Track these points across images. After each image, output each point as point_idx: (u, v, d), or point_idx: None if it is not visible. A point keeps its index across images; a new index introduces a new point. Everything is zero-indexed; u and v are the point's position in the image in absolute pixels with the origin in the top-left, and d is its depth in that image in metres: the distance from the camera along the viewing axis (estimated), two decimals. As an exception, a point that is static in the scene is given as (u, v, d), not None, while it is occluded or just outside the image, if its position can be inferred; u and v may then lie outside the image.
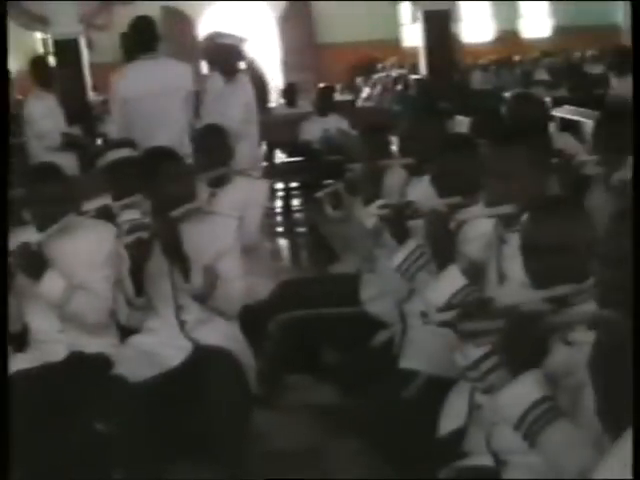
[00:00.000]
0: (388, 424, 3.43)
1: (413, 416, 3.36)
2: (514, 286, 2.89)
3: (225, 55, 6.74)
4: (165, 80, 6.37)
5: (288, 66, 20.18)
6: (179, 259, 3.76)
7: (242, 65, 7.34)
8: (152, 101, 6.22)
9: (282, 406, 4.66)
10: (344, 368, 4.19)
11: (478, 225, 3.39)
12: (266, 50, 19.99)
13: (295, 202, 9.97)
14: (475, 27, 22.10)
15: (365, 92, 16.94)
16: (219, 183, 4.96)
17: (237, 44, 6.89)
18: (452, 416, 3.18)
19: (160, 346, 3.86)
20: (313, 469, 4.15)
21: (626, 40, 10.79)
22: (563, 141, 5.49)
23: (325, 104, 9.68)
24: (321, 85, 10.83)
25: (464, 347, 2.65)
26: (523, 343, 2.34)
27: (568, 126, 7.98)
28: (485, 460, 2.79)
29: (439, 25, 13.45)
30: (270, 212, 9.24)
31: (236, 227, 4.05)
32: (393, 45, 20.14)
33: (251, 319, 4.25)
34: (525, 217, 2.78)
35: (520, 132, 3.31)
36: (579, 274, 2.50)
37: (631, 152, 4.57)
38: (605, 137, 4.65)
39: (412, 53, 16.05)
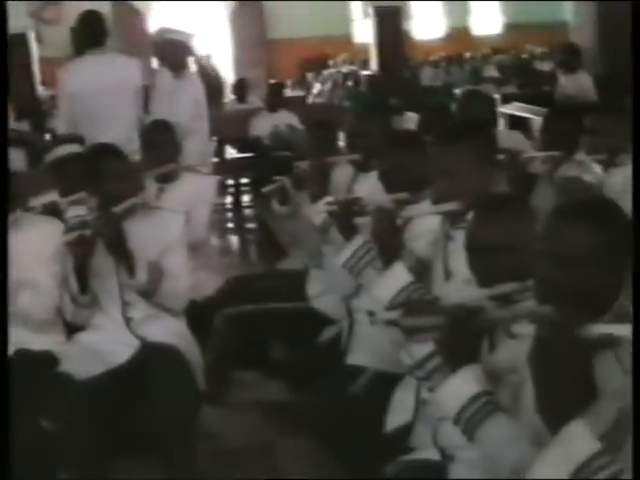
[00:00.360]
0: (336, 420, 3.43)
1: (361, 412, 3.36)
2: (459, 283, 2.89)
3: (173, 51, 6.70)
4: (113, 75, 6.33)
5: (239, 62, 20.15)
6: (123, 255, 3.73)
7: (191, 61, 7.30)
8: (100, 96, 6.17)
9: (230, 403, 4.65)
10: (292, 364, 4.19)
11: (425, 222, 3.40)
12: (218, 46, 19.96)
13: (245, 198, 9.94)
14: (426, 24, 22.17)
15: (316, 88, 16.95)
16: (167, 179, 4.93)
17: (185, 40, 6.86)
18: (399, 411, 3.19)
19: (106, 343, 3.82)
20: (263, 467, 4.14)
21: (574, 37, 10.89)
22: (511, 138, 5.54)
23: (275, 100, 9.68)
24: (271, 81, 10.82)
25: (409, 345, 2.65)
26: (462, 339, 2.34)
27: (517, 123, 8.04)
28: (431, 455, 2.80)
29: (390, 21, 13.51)
30: (220, 208, 9.24)
31: (182, 223, 4.03)
32: (344, 41, 20.14)
33: (198, 315, 4.23)
34: (470, 215, 2.79)
35: (466, 129, 3.30)
36: (523, 272, 2.50)
37: (576, 149, 4.65)
38: (551, 134, 4.70)
39: (363, 49, 16.09)
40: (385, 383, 3.35)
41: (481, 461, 2.33)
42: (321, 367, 3.78)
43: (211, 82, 9.65)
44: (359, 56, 17.58)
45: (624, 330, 1.90)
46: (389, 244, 3.32)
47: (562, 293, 2.15)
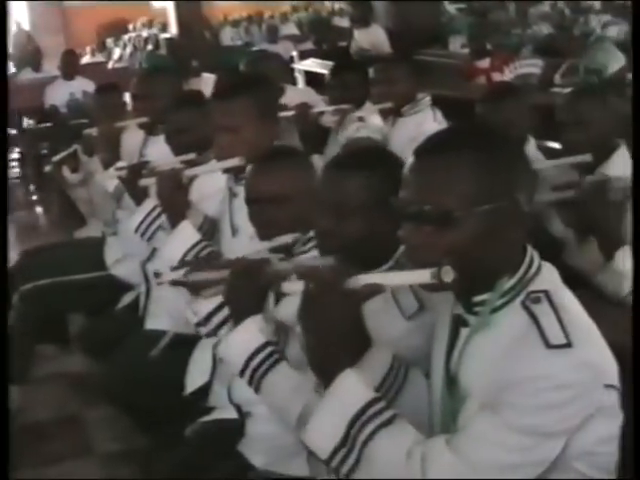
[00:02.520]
0: (137, 387, 3.39)
1: (161, 376, 3.33)
2: (245, 238, 2.90)
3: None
4: None
5: (36, 30, 19.53)
6: None
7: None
8: None
9: (34, 378, 4.55)
10: (92, 334, 4.12)
11: (211, 180, 3.39)
12: (14, 14, 19.30)
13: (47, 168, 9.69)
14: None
15: (116, 53, 16.64)
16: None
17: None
18: (197, 373, 3.18)
19: None
20: (72, 439, 4.09)
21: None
22: (301, 94, 5.59)
23: (70, 68, 9.45)
24: (65, 49, 10.55)
25: (194, 303, 2.63)
26: (244, 291, 2.33)
27: (315, 79, 8.10)
28: (229, 413, 2.80)
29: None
30: (23, 181, 9.04)
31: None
32: (143, 5, 19.82)
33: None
34: (247, 170, 2.79)
35: (243, 85, 3.29)
36: (304, 224, 2.52)
37: (363, 101, 4.72)
38: (338, 88, 4.76)
39: (162, 12, 15.89)
40: (184, 345, 3.32)
41: (270, 412, 2.34)
42: (121, 334, 3.73)
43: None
44: (158, 19, 17.35)
45: (389, 278, 1.93)
46: (174, 205, 3.28)
47: (341, 244, 2.17)
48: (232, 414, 2.78)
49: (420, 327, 2.11)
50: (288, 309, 2.43)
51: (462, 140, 1.80)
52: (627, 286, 2.79)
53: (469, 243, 1.74)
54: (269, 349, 2.26)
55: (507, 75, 7.29)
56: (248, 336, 2.28)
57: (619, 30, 8.89)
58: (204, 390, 3.12)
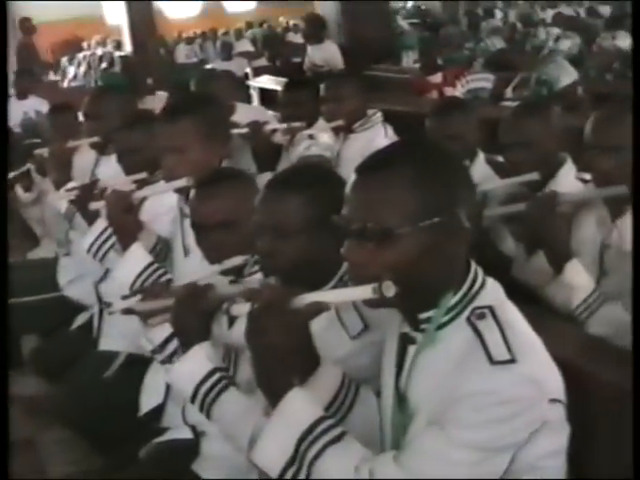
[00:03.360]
0: (91, 408, 3.38)
1: (115, 397, 3.32)
2: (197, 260, 2.89)
3: None
4: None
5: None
6: None
7: None
8: None
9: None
10: (45, 355, 4.10)
11: (163, 201, 3.39)
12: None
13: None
14: (180, 2, 22.04)
15: (71, 72, 16.56)
16: None
17: None
18: (152, 394, 3.17)
19: None
20: (26, 462, 4.05)
21: (319, 9, 11.07)
22: (253, 111, 5.60)
23: (22, 87, 9.39)
24: (18, 68, 10.50)
25: (148, 330, 2.62)
26: (189, 318, 2.34)
27: (271, 96, 8.11)
28: (184, 433, 2.80)
29: (141, 1, 13.37)
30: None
31: None
32: (97, 22, 19.74)
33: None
34: (191, 194, 2.79)
35: (188, 105, 3.30)
36: (253, 245, 2.52)
37: (315, 118, 4.74)
38: (289, 105, 4.78)
39: (116, 30, 15.85)
40: (138, 366, 3.32)
41: (223, 436, 2.34)
42: (75, 356, 3.71)
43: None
44: (113, 37, 17.29)
45: (331, 296, 1.95)
46: (124, 227, 3.27)
47: (283, 264, 2.18)
48: (186, 434, 2.79)
49: (366, 346, 2.12)
50: (241, 331, 2.44)
51: (402, 157, 1.82)
52: (577, 299, 2.82)
53: (411, 259, 1.76)
54: (217, 375, 2.26)
55: (458, 90, 7.34)
56: (196, 364, 2.28)
57: (572, 44, 8.99)
58: (158, 410, 3.11)
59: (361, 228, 1.76)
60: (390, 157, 1.83)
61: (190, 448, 2.73)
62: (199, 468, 2.68)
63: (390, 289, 1.72)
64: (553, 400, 1.79)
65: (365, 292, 1.75)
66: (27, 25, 14.97)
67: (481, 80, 7.36)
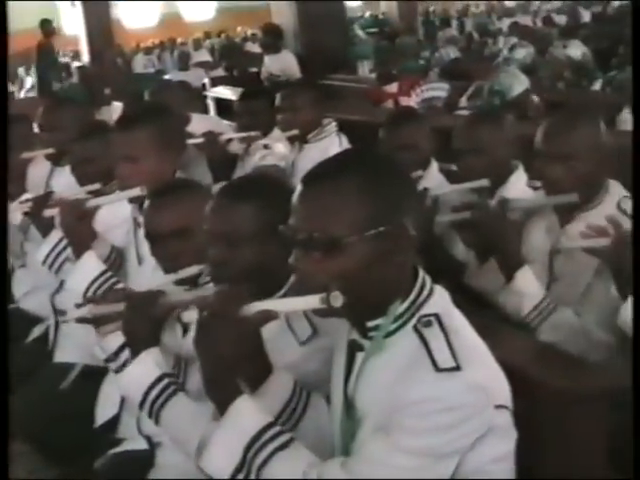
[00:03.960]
0: (47, 420, 3.37)
1: (71, 409, 3.31)
2: (150, 269, 2.91)
3: None
4: None
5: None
6: None
7: None
8: None
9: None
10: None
11: (118, 210, 3.39)
12: None
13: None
14: (138, 11, 22.01)
15: (28, 82, 16.49)
16: None
17: None
18: (107, 405, 3.16)
19: None
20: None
21: (276, 19, 11.08)
22: (209, 121, 5.61)
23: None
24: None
25: (101, 338, 2.62)
26: (139, 325, 2.35)
27: (227, 105, 8.11)
28: (139, 444, 2.80)
29: (98, 11, 13.34)
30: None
31: None
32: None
33: None
34: (145, 205, 2.80)
35: (142, 115, 3.31)
36: (203, 254, 2.53)
37: (271, 128, 4.76)
38: (245, 115, 4.80)
39: (74, 40, 15.80)
40: (94, 377, 3.31)
41: (171, 442, 2.35)
42: (30, 368, 3.69)
43: None
44: (71, 47, 17.24)
45: (280, 305, 1.97)
46: (78, 235, 3.26)
47: (233, 273, 2.20)
48: (142, 445, 2.78)
49: (315, 352, 2.14)
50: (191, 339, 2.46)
51: (347, 167, 1.83)
52: (527, 306, 2.85)
53: (357, 268, 1.77)
54: (165, 381, 2.28)
55: (413, 99, 7.38)
56: (144, 369, 2.30)
57: (526, 53, 9.07)
58: (114, 422, 3.11)
59: (307, 238, 1.78)
60: (335, 167, 1.85)
61: (145, 459, 2.73)
62: (155, 478, 2.68)
63: (338, 299, 1.74)
64: (499, 406, 1.81)
65: (313, 302, 1.77)
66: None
67: (436, 89, 7.40)
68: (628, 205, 2.88)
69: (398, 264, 1.83)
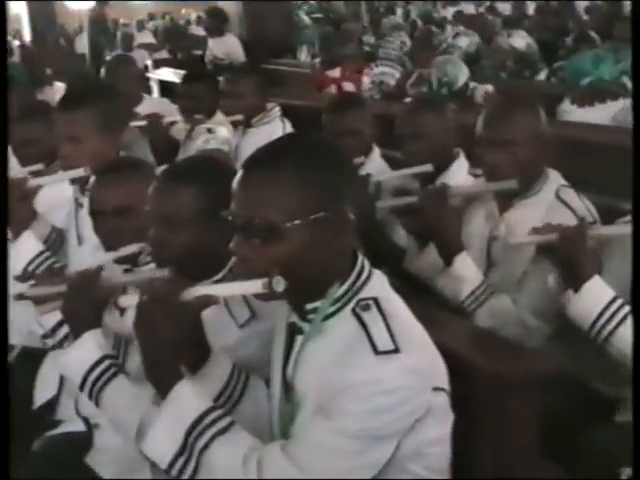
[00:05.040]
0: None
1: (10, 391, 3.28)
2: (91, 248, 2.90)
3: None
4: None
5: None
6: None
7: None
8: None
9: None
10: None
11: (59, 191, 3.38)
12: None
13: None
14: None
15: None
16: None
17: None
18: (45, 386, 3.15)
19: None
20: None
21: (221, 2, 11.03)
22: (155, 104, 5.58)
23: None
24: None
25: (39, 315, 2.61)
26: (80, 305, 2.34)
27: (170, 88, 8.06)
28: (77, 426, 2.79)
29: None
30: None
31: None
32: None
33: None
34: (90, 181, 2.80)
35: (84, 96, 3.30)
36: (145, 234, 2.53)
37: (214, 111, 4.75)
38: (187, 98, 4.78)
39: (15, 19, 15.59)
40: (32, 359, 3.29)
41: (111, 425, 2.35)
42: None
43: None
44: (12, 26, 16.98)
45: (221, 289, 1.98)
46: (17, 215, 3.24)
47: (173, 255, 2.20)
48: (80, 427, 2.78)
49: (254, 335, 2.16)
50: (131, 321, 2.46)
51: (286, 153, 1.84)
52: (465, 291, 2.88)
53: (297, 254, 1.78)
54: (107, 363, 2.27)
55: (365, 82, 7.42)
56: (85, 351, 2.29)
57: (470, 41, 9.10)
58: (52, 403, 3.09)
59: (247, 223, 1.79)
60: (275, 153, 1.85)
61: (83, 441, 2.72)
62: (92, 461, 2.67)
63: (280, 284, 1.75)
64: (437, 389, 1.84)
65: (255, 286, 1.77)
66: None
67: (390, 68, 7.44)
68: (566, 194, 2.92)
69: (337, 249, 1.84)
